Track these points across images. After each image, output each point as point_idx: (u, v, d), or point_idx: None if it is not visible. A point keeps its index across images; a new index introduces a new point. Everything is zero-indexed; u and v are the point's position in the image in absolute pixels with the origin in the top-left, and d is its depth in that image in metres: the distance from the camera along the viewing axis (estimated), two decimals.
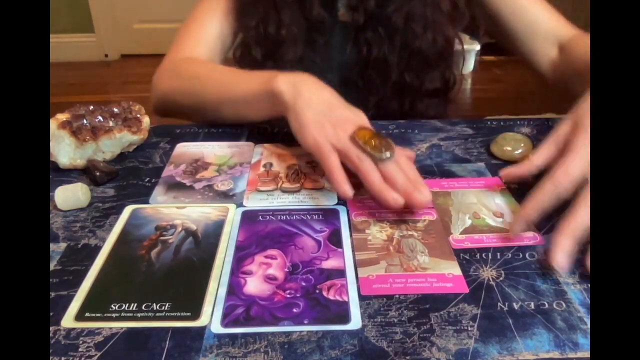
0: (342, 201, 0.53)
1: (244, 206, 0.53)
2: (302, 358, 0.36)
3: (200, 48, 0.76)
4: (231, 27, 0.78)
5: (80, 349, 0.37)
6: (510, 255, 0.45)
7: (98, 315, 0.40)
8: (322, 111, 0.54)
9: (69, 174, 0.58)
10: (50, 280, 0.43)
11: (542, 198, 0.45)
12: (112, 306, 0.40)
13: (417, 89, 0.76)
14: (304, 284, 0.42)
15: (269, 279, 0.43)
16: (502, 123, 0.69)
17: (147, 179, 0.58)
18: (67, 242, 0.48)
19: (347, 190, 0.49)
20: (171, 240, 0.48)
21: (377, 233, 0.48)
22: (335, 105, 0.55)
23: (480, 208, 0.52)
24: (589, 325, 0.38)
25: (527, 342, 0.37)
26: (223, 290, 0.42)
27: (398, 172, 0.49)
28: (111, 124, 0.60)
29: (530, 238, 0.47)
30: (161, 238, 0.48)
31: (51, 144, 0.57)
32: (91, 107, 0.61)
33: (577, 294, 0.41)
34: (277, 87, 0.56)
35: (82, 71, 2.91)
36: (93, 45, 3.04)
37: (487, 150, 0.62)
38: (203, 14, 0.78)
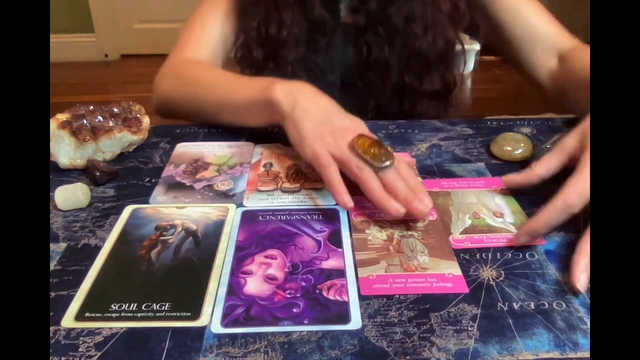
0: None
1: (244, 206, 0.53)
2: (302, 358, 0.36)
3: (203, 49, 0.76)
4: (233, 28, 0.79)
5: (80, 349, 0.37)
6: (510, 255, 0.45)
7: (98, 315, 0.40)
8: (320, 120, 0.53)
9: (69, 174, 0.58)
10: (50, 280, 0.43)
11: (554, 215, 0.44)
12: (112, 306, 0.40)
13: (417, 91, 0.76)
14: (304, 284, 0.42)
15: (269, 279, 0.43)
16: (502, 123, 0.69)
17: (147, 179, 0.58)
18: (67, 242, 0.48)
19: (347, 200, 0.48)
20: (171, 240, 0.48)
21: (377, 233, 0.48)
22: (333, 114, 0.55)
23: (480, 208, 0.52)
24: (589, 325, 0.38)
25: (527, 342, 0.37)
26: (223, 290, 0.42)
27: (398, 181, 0.49)
28: (111, 124, 0.60)
29: None
30: (161, 238, 0.48)
31: (51, 144, 0.57)
32: (91, 107, 0.61)
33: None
34: (274, 96, 0.56)
35: (82, 71, 2.91)
36: (93, 45, 3.04)
37: (487, 150, 0.62)
38: (205, 14, 0.78)
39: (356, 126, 0.54)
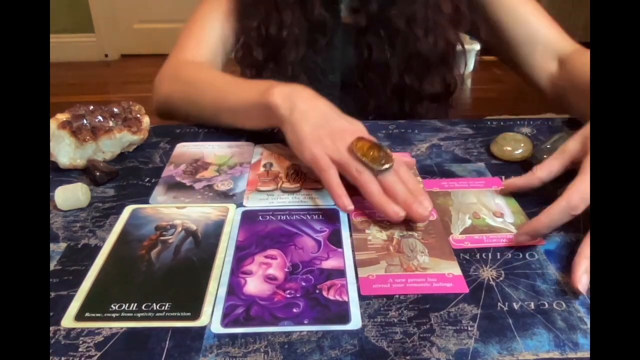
0: None
1: (244, 206, 0.53)
2: (302, 358, 0.36)
3: (203, 50, 0.76)
4: (233, 29, 0.78)
5: (80, 349, 0.37)
6: (510, 255, 0.45)
7: (98, 315, 0.40)
8: (319, 123, 0.53)
9: (69, 174, 0.58)
10: (50, 280, 0.43)
11: (555, 216, 0.44)
12: (112, 306, 0.40)
13: (418, 92, 0.76)
14: (304, 284, 0.42)
15: (269, 279, 0.43)
16: (502, 123, 0.69)
17: (147, 179, 0.58)
18: (67, 242, 0.48)
19: (347, 204, 0.48)
20: (171, 240, 0.48)
21: (377, 233, 0.48)
22: (332, 117, 0.55)
23: (480, 208, 0.52)
24: (589, 325, 0.38)
25: (527, 342, 0.37)
26: (223, 290, 0.42)
27: (398, 183, 0.49)
28: (111, 124, 0.60)
29: None
30: (161, 238, 0.48)
31: (51, 144, 0.57)
32: (91, 107, 0.61)
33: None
34: (272, 100, 0.56)
35: (82, 71, 2.91)
36: (93, 45, 3.04)
37: (487, 150, 0.62)
38: (205, 15, 0.78)
39: (355, 129, 0.53)
